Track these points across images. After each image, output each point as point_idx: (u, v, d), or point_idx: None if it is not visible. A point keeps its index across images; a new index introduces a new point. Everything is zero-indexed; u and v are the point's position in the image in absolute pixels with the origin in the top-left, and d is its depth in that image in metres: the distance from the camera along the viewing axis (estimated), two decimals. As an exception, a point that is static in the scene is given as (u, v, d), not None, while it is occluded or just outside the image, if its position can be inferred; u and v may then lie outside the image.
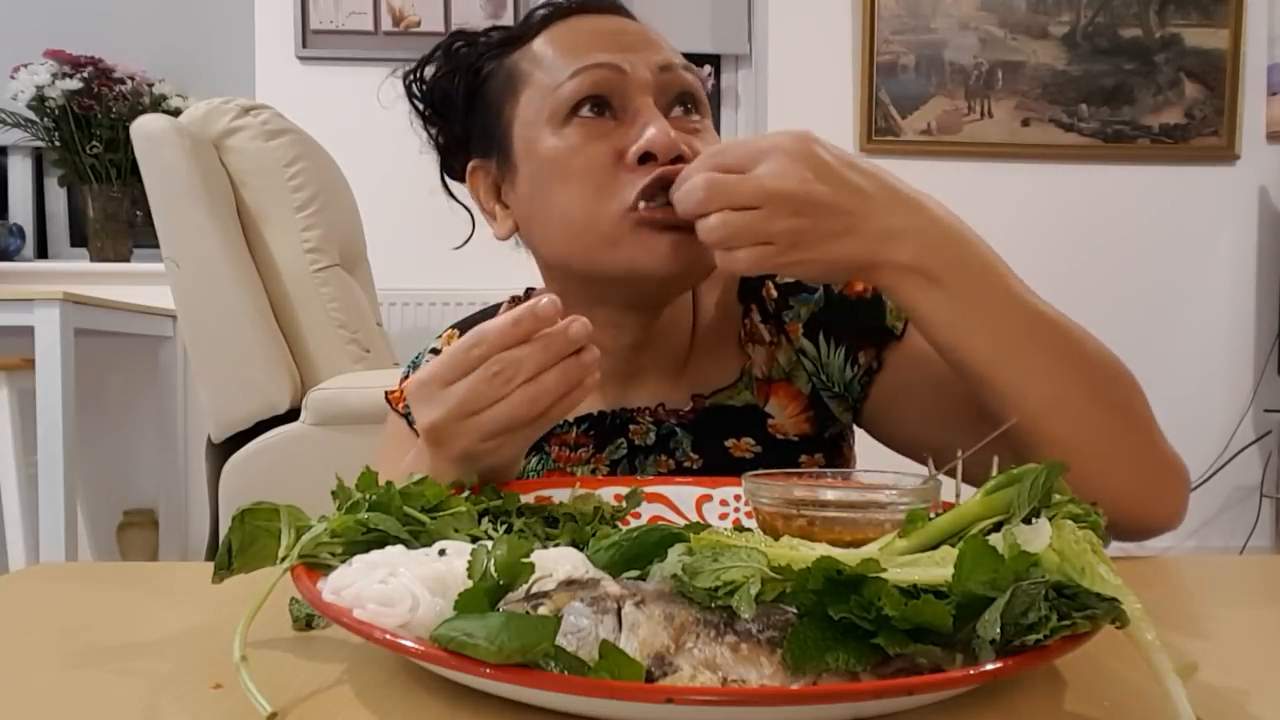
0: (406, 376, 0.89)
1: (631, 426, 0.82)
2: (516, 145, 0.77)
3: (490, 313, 0.93)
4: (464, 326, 0.93)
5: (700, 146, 0.71)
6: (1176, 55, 2.89)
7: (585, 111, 0.72)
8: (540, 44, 0.77)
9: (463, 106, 0.82)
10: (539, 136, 0.74)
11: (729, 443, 0.81)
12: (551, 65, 0.74)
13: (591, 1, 0.78)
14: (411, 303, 2.72)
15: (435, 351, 0.91)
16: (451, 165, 0.88)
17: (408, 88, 0.85)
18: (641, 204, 0.69)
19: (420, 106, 0.86)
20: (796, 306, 0.82)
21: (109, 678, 0.46)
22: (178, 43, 2.86)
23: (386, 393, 0.93)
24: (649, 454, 0.82)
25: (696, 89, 0.75)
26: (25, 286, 2.20)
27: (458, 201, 0.90)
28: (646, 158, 0.69)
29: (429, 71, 0.84)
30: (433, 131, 0.87)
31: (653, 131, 0.69)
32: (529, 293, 0.94)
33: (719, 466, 0.80)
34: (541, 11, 0.79)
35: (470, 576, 0.42)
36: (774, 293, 0.83)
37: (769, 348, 0.82)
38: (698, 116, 0.75)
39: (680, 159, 0.68)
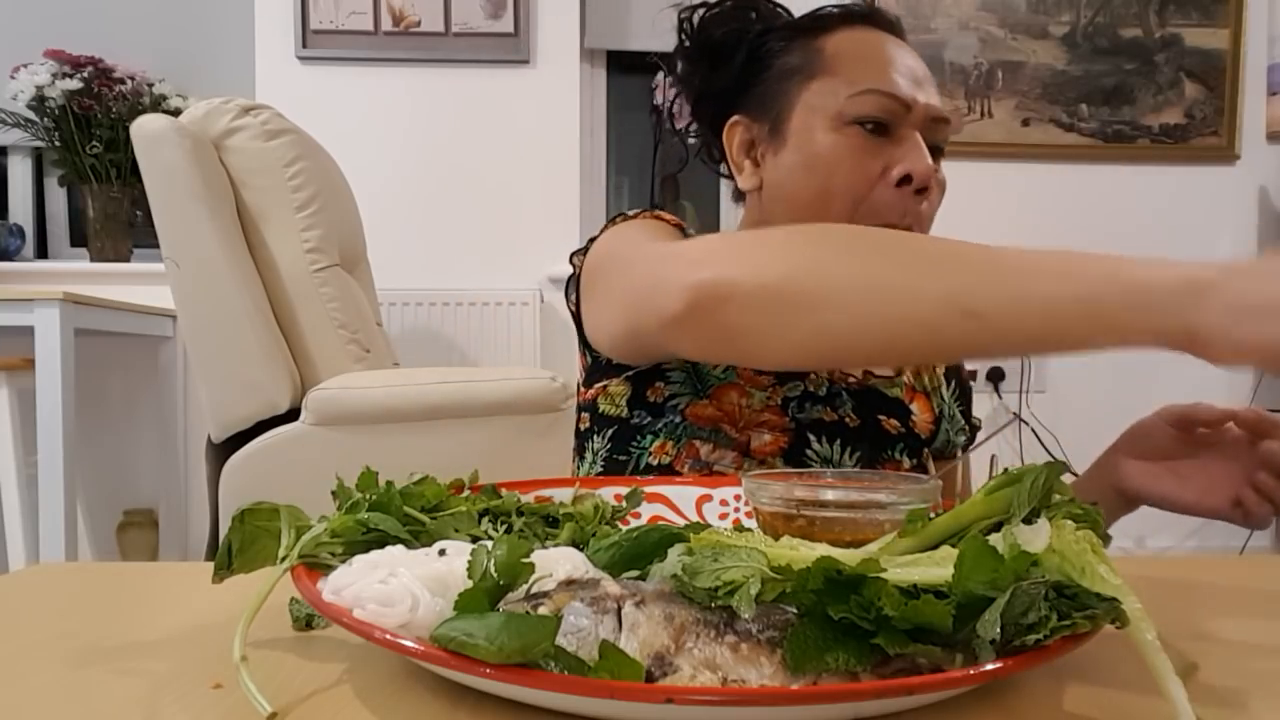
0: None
1: (810, 375, 0.90)
2: (794, 124, 0.86)
3: None
4: None
5: (936, 187, 0.84)
6: (1176, 55, 2.89)
7: (867, 126, 0.82)
8: (840, 41, 0.86)
9: (742, 66, 0.91)
10: (818, 127, 0.83)
11: (881, 416, 0.92)
12: (850, 70, 0.83)
13: (886, 21, 0.88)
14: (411, 303, 2.72)
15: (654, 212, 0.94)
16: (702, 108, 0.96)
17: (681, 23, 0.93)
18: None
19: (690, 47, 0.93)
20: None
21: (109, 678, 0.46)
22: (178, 43, 2.86)
23: (628, 216, 0.91)
24: (817, 402, 0.90)
25: (946, 139, 0.87)
26: (25, 286, 2.20)
27: (673, 131, 1.01)
28: (904, 180, 0.81)
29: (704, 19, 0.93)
30: (686, 69, 0.95)
31: (919, 163, 0.81)
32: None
33: (872, 431, 0.91)
34: (836, 9, 0.89)
35: (470, 576, 0.42)
36: None
37: (917, 366, 0.98)
38: (938, 161, 0.86)
39: (926, 190, 0.82)
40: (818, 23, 0.88)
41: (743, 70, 0.91)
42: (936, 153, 0.84)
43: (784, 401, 0.89)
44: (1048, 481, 0.46)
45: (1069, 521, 0.41)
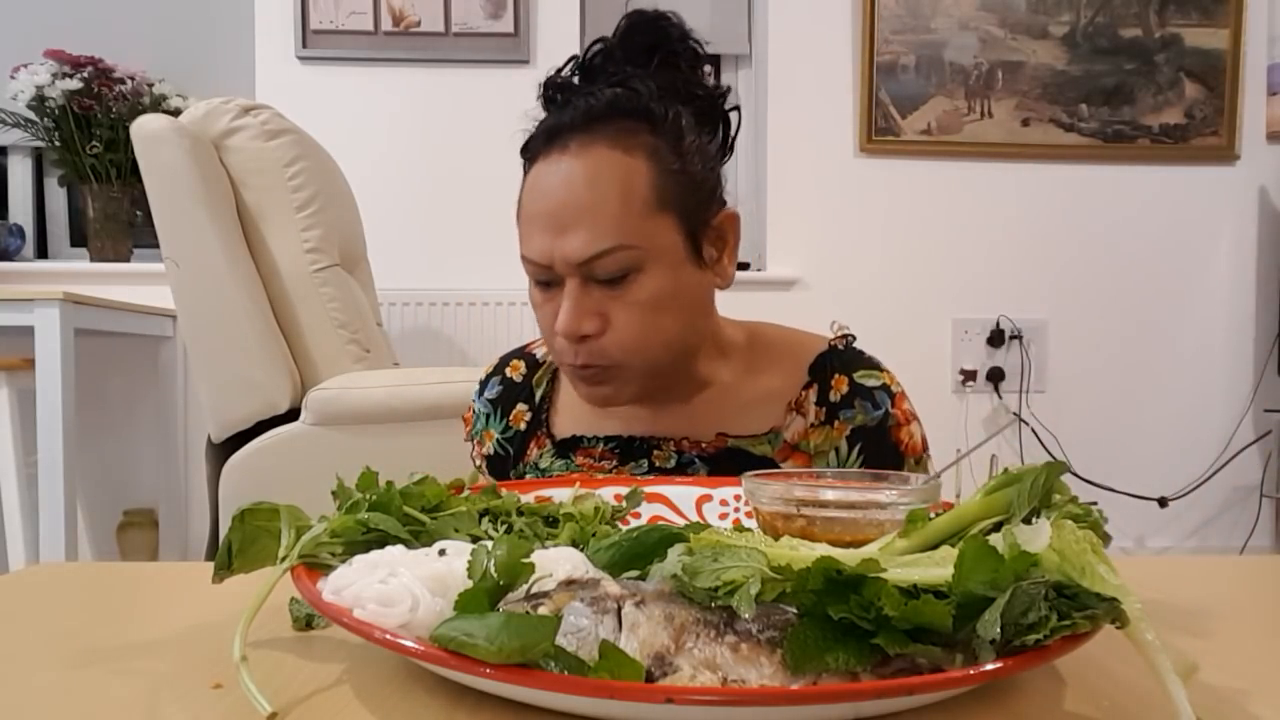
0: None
1: (655, 451, 0.91)
2: None
3: (522, 353, 1.04)
4: (520, 358, 1.03)
5: (618, 312, 0.81)
6: (1176, 55, 2.89)
7: (537, 282, 0.85)
8: (526, 187, 0.85)
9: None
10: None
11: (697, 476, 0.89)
12: (520, 229, 0.85)
13: (563, 138, 0.83)
14: (411, 303, 2.72)
15: (484, 384, 1.03)
16: None
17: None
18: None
19: None
20: (856, 411, 0.89)
21: (109, 678, 0.46)
22: (178, 43, 2.86)
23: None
24: (667, 474, 0.89)
25: (617, 267, 0.81)
26: (25, 286, 2.20)
27: None
28: None
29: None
30: None
31: (562, 320, 0.81)
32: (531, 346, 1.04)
33: None
34: (539, 131, 0.85)
35: (470, 576, 0.42)
36: (844, 387, 0.90)
37: (809, 425, 0.90)
38: (622, 283, 0.81)
39: (585, 338, 0.81)
40: (532, 151, 0.86)
41: None
42: (613, 282, 0.81)
43: None
44: (1048, 481, 0.46)
45: (1069, 521, 0.41)
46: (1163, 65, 2.89)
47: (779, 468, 0.89)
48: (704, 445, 0.90)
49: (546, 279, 0.83)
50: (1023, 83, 2.86)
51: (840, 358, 0.92)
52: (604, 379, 0.84)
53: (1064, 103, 2.87)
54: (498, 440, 0.99)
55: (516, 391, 1.00)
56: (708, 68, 0.92)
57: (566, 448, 0.94)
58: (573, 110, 0.83)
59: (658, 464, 0.90)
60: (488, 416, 1.01)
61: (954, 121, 2.85)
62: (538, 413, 0.98)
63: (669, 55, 0.86)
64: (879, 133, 2.83)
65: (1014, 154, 2.87)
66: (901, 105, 2.84)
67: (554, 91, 0.87)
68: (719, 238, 0.87)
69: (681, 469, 0.90)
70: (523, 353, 1.03)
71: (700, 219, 0.84)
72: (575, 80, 0.88)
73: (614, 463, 0.92)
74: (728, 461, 0.89)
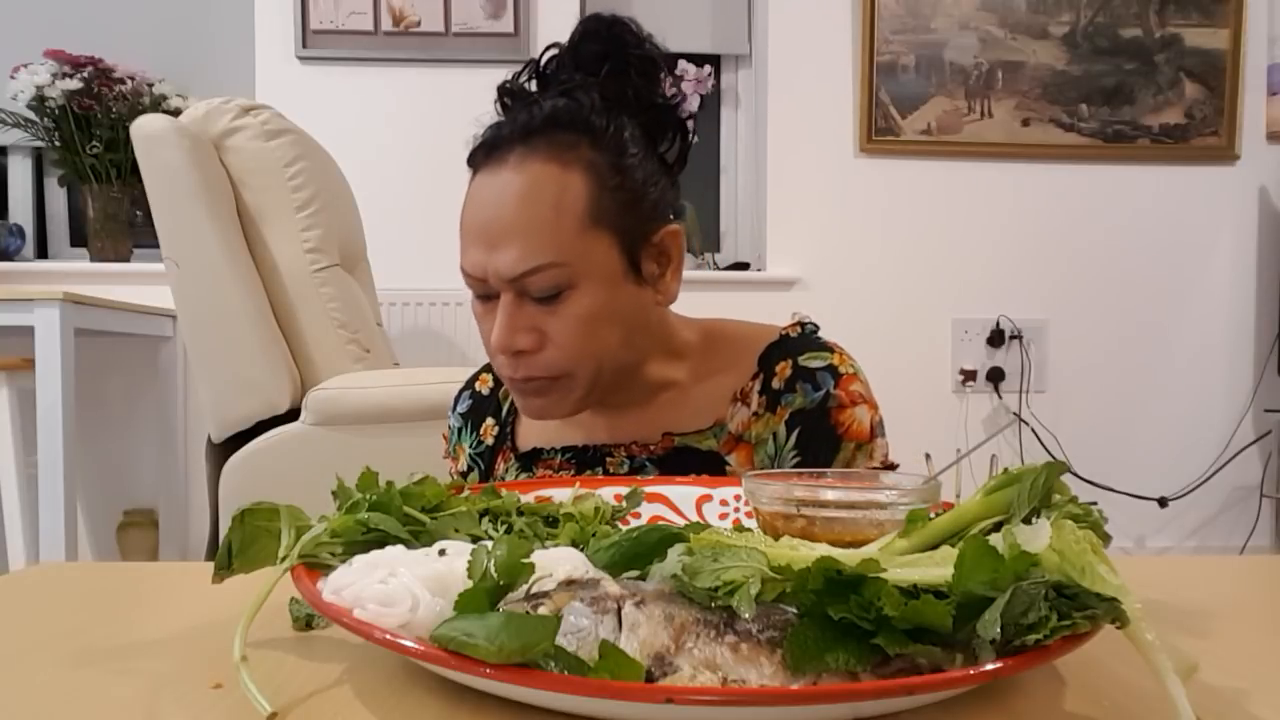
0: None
1: (608, 459, 0.90)
2: None
3: (490, 367, 1.04)
4: (488, 372, 1.04)
5: (553, 327, 0.80)
6: (1176, 55, 2.89)
7: (476, 295, 0.84)
8: (466, 199, 0.84)
9: None
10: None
11: (692, 475, 0.89)
12: (461, 241, 0.84)
13: (505, 146, 0.82)
14: (411, 303, 2.72)
15: (456, 399, 1.05)
16: None
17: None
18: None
19: None
20: (796, 395, 0.86)
21: (109, 678, 0.46)
22: (178, 43, 2.86)
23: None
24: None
25: (549, 284, 0.79)
26: (25, 286, 2.20)
27: None
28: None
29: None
30: None
31: (495, 335, 0.80)
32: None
33: None
34: (482, 142, 0.85)
35: (470, 576, 0.42)
36: (787, 372, 0.87)
37: (752, 415, 0.88)
38: (556, 300, 0.80)
39: (521, 353, 0.81)
40: (471, 165, 0.85)
41: None
42: (547, 298, 0.80)
43: None
44: (1048, 481, 0.46)
45: (1069, 521, 0.41)
46: (1163, 65, 2.89)
47: (726, 461, 0.87)
48: (652, 447, 0.89)
49: (483, 292, 0.82)
50: (1023, 83, 2.87)
51: (789, 345, 0.90)
52: (545, 390, 0.83)
53: (1064, 103, 2.87)
54: (470, 455, 1.00)
55: (485, 405, 1.01)
56: (697, 70, 0.93)
57: (528, 460, 0.94)
58: (512, 122, 0.82)
59: (611, 470, 0.90)
60: (460, 431, 1.02)
61: (954, 121, 2.85)
62: (504, 426, 0.98)
63: (620, 63, 0.84)
64: (879, 133, 2.83)
65: (1014, 154, 2.88)
66: (901, 105, 2.84)
67: (506, 97, 0.86)
68: (661, 254, 0.85)
69: (634, 473, 0.88)
70: (490, 367, 1.03)
71: (640, 235, 0.83)
72: (529, 85, 0.87)
73: (572, 472, 0.91)
74: (675, 460, 0.88)
